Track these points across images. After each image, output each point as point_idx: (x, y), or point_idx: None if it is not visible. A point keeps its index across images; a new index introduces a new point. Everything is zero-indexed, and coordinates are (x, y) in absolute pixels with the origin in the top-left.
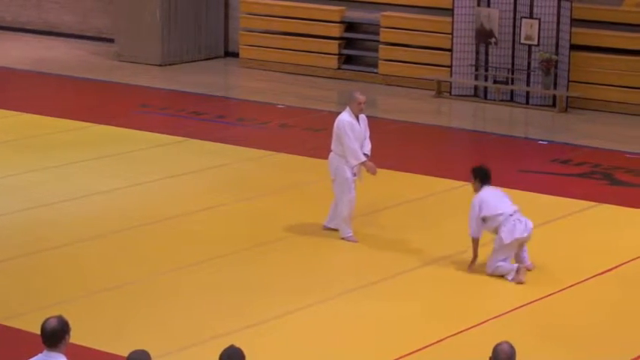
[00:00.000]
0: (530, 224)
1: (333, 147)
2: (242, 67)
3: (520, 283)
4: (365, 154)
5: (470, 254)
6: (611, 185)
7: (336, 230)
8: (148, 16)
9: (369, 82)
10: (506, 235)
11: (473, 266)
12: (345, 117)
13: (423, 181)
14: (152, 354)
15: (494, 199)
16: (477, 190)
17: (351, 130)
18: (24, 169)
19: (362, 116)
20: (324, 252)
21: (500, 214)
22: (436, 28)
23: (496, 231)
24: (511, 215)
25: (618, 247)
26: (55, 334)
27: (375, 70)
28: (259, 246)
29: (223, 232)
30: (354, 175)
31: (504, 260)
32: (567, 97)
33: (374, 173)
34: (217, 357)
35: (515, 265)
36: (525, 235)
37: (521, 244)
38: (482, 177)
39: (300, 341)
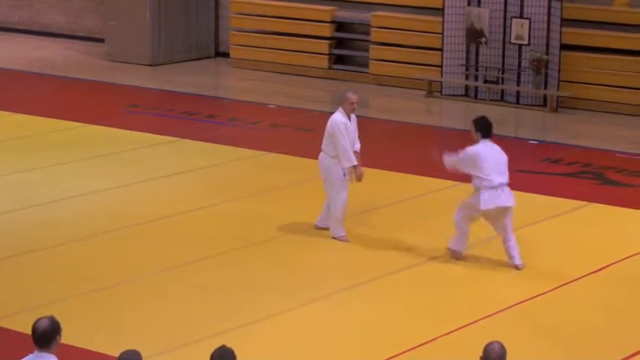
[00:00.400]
0: (512, 198)
1: (323, 147)
2: (233, 67)
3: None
4: (355, 152)
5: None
6: (602, 185)
7: (326, 229)
8: (138, 16)
9: (360, 82)
10: (485, 203)
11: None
12: (339, 117)
13: (414, 181)
14: (143, 354)
15: (490, 161)
16: (476, 141)
17: (346, 130)
18: (14, 170)
19: (352, 116)
20: (315, 251)
21: (486, 180)
22: (427, 27)
23: (476, 188)
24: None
25: (609, 246)
26: (46, 335)
27: (366, 70)
28: (250, 246)
29: (214, 232)
30: (344, 175)
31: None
32: (558, 96)
33: (359, 180)
34: (208, 357)
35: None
36: (507, 205)
37: (498, 214)
38: (483, 129)
39: (291, 341)
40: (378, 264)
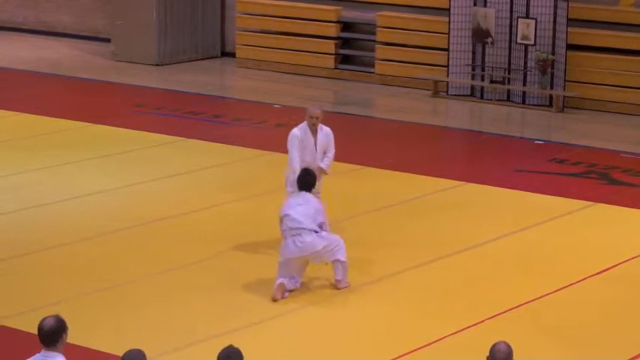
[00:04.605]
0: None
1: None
2: (238, 67)
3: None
4: (319, 167)
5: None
6: (608, 185)
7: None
8: (144, 15)
9: (366, 82)
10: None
11: None
12: (295, 130)
13: (420, 181)
14: (147, 354)
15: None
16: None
17: (299, 143)
18: (19, 169)
19: (325, 132)
20: None
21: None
22: (433, 27)
23: None
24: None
25: (615, 246)
26: (52, 334)
27: (372, 70)
28: (255, 245)
29: (220, 231)
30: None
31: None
32: (564, 96)
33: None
34: (215, 357)
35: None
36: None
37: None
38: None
39: (297, 341)
40: (382, 264)
